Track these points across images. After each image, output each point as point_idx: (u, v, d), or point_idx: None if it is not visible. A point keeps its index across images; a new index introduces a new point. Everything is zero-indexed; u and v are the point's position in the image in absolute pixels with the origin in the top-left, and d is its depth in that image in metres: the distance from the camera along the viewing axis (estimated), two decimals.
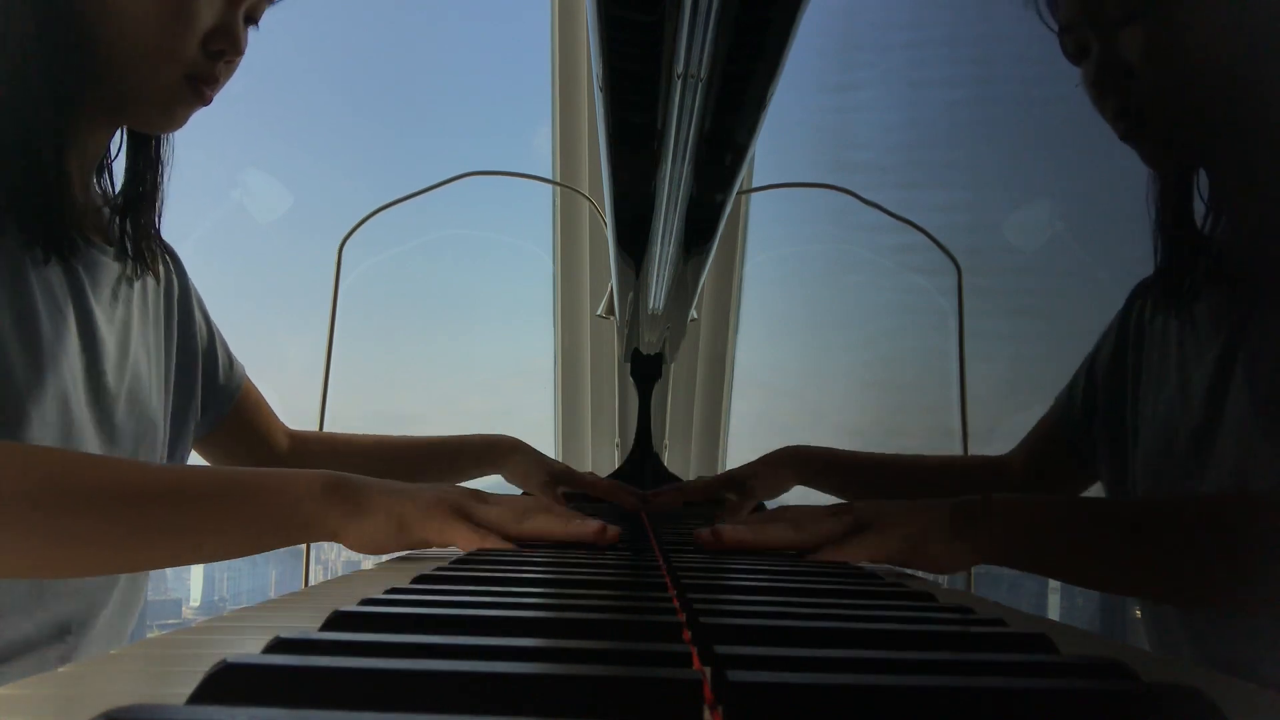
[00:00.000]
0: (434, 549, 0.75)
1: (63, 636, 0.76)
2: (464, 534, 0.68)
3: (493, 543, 0.68)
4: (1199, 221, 0.80)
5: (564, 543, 0.69)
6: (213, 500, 0.64)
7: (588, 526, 0.69)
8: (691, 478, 1.86)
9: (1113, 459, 0.93)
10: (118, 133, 0.84)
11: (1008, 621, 0.39)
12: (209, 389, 0.97)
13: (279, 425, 1.07)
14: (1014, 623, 0.39)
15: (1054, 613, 2.05)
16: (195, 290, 0.97)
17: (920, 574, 0.70)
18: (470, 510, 0.70)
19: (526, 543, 0.69)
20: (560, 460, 1.26)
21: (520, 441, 1.11)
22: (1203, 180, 0.81)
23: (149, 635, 0.78)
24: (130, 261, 0.84)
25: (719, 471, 2.02)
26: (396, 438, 1.12)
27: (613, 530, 0.69)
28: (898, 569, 0.70)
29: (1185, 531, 0.66)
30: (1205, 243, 0.80)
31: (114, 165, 0.86)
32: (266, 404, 1.05)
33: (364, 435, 1.12)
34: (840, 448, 1.11)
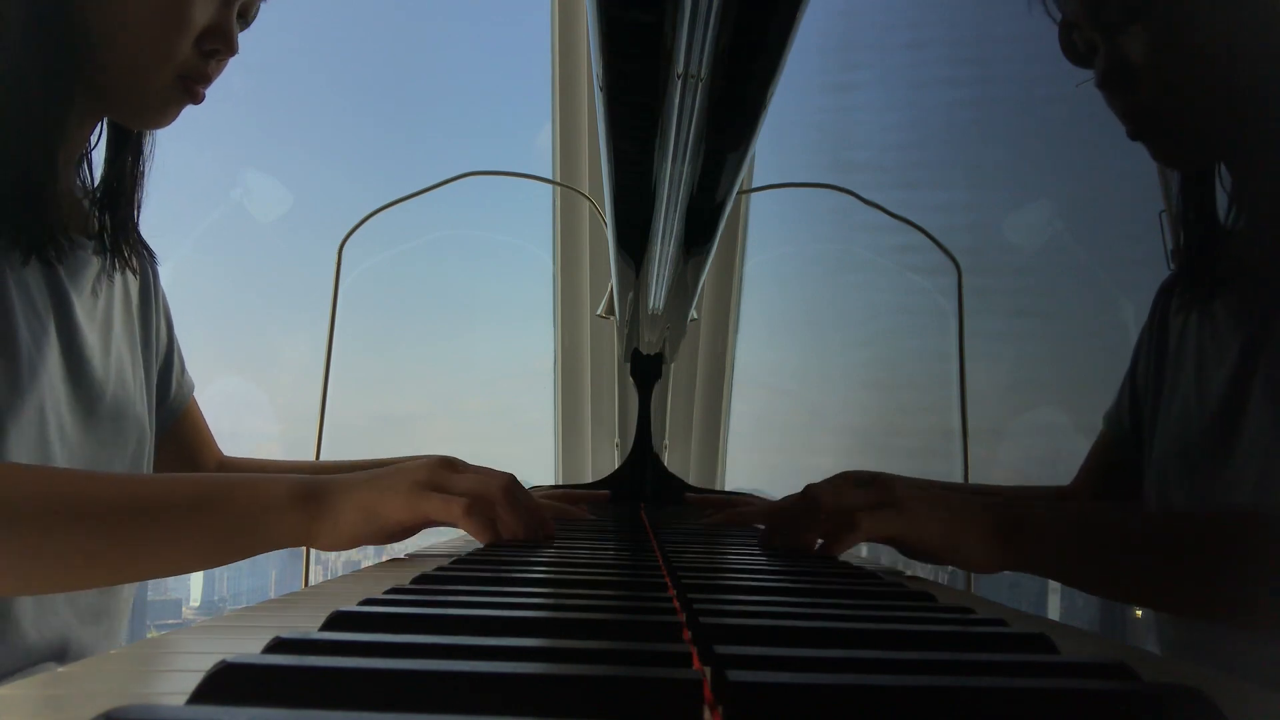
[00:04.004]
0: (437, 550, 0.75)
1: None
2: (436, 506, 0.66)
3: (468, 518, 0.66)
4: (1221, 216, 0.80)
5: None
6: (180, 512, 0.62)
7: (546, 529, 0.70)
8: (691, 478, 1.86)
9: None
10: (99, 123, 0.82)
11: (1008, 621, 0.39)
12: (157, 400, 0.93)
13: (211, 449, 1.01)
14: (1014, 623, 0.38)
15: (1054, 613, 2.05)
16: (164, 297, 0.95)
17: (920, 574, 0.70)
18: (441, 481, 0.67)
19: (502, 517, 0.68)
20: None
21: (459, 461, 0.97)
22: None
23: (148, 635, 0.77)
24: (109, 256, 0.82)
25: (719, 470, 2.02)
26: (331, 463, 1.06)
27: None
28: (897, 567, 0.70)
29: (1214, 546, 0.65)
30: (1227, 237, 0.79)
31: (93, 156, 0.83)
32: (205, 426, 1.01)
33: (295, 463, 1.06)
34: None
